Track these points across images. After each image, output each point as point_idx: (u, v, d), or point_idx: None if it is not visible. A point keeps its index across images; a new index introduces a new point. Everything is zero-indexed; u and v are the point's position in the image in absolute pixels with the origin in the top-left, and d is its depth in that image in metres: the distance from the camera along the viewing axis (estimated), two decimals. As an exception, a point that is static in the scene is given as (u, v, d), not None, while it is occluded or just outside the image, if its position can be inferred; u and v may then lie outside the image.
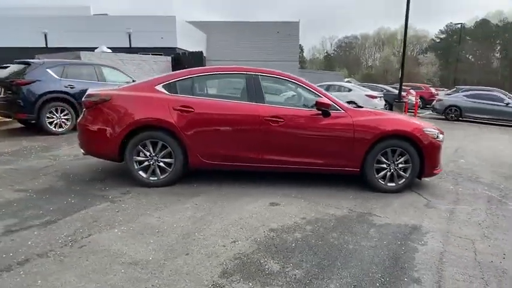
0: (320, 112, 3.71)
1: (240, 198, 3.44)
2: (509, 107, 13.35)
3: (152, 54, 14.99)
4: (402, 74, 14.04)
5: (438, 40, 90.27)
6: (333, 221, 2.98)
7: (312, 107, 3.78)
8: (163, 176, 3.72)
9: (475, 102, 13.85)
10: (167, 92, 3.73)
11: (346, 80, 53.50)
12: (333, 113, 3.72)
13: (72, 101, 7.10)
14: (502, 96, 14.14)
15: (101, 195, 3.41)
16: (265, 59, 27.32)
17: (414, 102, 14.84)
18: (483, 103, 13.71)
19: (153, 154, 3.68)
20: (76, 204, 3.16)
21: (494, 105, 13.54)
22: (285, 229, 2.78)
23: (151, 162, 3.69)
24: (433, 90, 24.23)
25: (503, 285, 2.11)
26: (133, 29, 19.16)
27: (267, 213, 3.11)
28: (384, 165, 3.80)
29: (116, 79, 7.90)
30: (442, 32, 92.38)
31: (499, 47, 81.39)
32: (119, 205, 3.17)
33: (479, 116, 13.75)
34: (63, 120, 7.05)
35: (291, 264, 2.25)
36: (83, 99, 3.84)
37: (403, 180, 3.84)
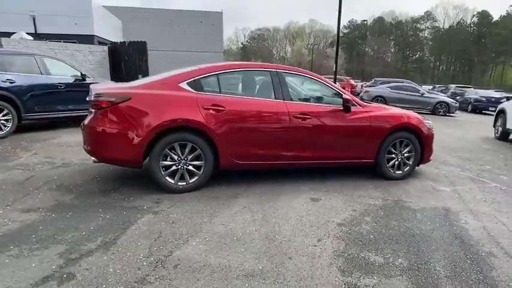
0: (342, 108, 3.94)
1: (280, 197, 3.49)
2: (424, 97, 15.69)
3: (64, 42, 13.21)
4: (336, 67, 15.26)
5: (341, 35, 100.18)
6: (381, 211, 3.27)
7: (328, 103, 3.99)
8: (193, 180, 3.53)
9: (397, 93, 15.87)
10: (193, 90, 3.52)
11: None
12: (353, 108, 3.99)
13: (13, 98, 6.03)
14: (417, 87, 16.56)
15: (133, 207, 3.09)
16: (188, 49, 26.62)
17: (347, 94, 16.29)
18: (404, 94, 15.82)
19: (182, 157, 3.44)
20: (115, 219, 2.81)
21: (412, 95, 15.75)
22: (350, 222, 2.96)
23: (180, 166, 3.46)
24: (352, 82, 26.95)
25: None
26: (39, 12, 16.60)
27: (317, 208, 3.24)
28: (393, 155, 4.25)
29: (62, 72, 6.96)
30: (345, 27, 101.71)
31: (392, 43, 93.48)
32: (166, 216, 2.93)
33: (401, 105, 15.83)
34: (2, 121, 5.94)
35: (388, 254, 2.44)
36: (94, 98, 3.35)
37: (408, 167, 4.35)
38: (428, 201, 3.58)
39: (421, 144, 4.33)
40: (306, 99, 4.03)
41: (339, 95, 4.05)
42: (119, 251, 2.32)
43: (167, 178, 3.45)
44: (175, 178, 3.47)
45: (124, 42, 10.57)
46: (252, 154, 3.67)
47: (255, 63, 4.11)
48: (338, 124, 3.93)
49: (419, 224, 2.99)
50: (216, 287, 1.98)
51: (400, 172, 4.32)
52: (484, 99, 18.08)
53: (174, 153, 3.42)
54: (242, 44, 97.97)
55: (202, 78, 3.61)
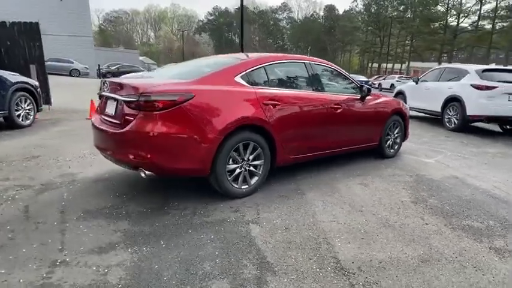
0: (359, 96, 4.36)
1: (337, 187, 3.68)
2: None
3: None
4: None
5: (206, 20, 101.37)
6: (421, 185, 3.85)
7: (349, 93, 4.35)
8: (253, 182, 3.36)
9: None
10: (248, 84, 3.31)
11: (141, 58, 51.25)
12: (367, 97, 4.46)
13: None
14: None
15: (222, 221, 2.77)
16: (49, 32, 22.80)
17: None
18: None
19: (245, 158, 3.24)
20: (225, 240, 2.50)
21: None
22: (417, 199, 3.41)
23: (243, 168, 3.25)
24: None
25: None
26: None
27: (379, 193, 3.57)
28: (388, 136, 4.94)
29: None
30: (210, 13, 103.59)
31: (257, 31, 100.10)
32: (272, 223, 2.76)
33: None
34: None
35: (479, 218, 2.99)
36: (144, 97, 2.76)
37: (397, 146, 5.14)
38: (436, 172, 4.38)
39: (405, 125, 5.15)
40: (334, 90, 4.25)
41: (354, 84, 4.43)
42: (295, 278, 2.13)
43: (232, 183, 3.18)
44: (239, 181, 3.23)
45: (4, 22, 8.26)
46: (301, 148, 3.71)
47: (289, 54, 4.07)
48: (359, 112, 4.32)
49: (457, 191, 3.68)
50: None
51: (393, 151, 5.06)
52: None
53: (237, 155, 3.17)
54: (100, 27, 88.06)
55: (253, 70, 3.41)
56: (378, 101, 4.64)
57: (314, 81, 3.91)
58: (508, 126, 8.25)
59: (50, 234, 2.47)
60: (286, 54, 4.08)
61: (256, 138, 3.24)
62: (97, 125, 3.22)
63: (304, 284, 1.99)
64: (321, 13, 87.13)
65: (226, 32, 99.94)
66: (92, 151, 4.60)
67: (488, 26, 35.37)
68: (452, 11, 39.12)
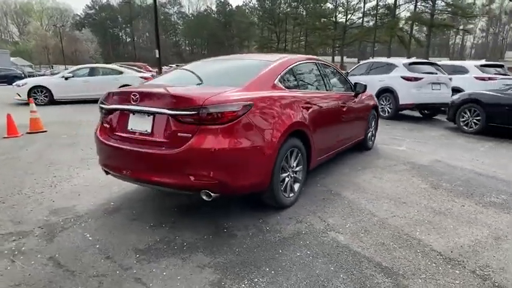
0: (353, 94, 4.67)
1: (355, 181, 3.91)
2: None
3: None
4: (159, 56, 14.90)
5: (84, 15, 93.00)
6: (428, 172, 4.35)
7: (345, 90, 4.62)
8: (297, 189, 3.34)
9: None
10: (285, 88, 3.26)
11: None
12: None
13: None
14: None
15: (299, 232, 2.71)
16: None
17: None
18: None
19: (291, 166, 3.20)
20: (308, 237, 2.47)
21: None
22: (436, 185, 3.87)
23: (290, 177, 3.21)
24: (150, 69, 26.45)
25: None
26: None
27: (397, 183, 3.91)
28: (370, 129, 5.42)
29: None
30: (89, 7, 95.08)
31: (148, 26, 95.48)
32: (343, 229, 2.81)
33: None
34: None
35: (496, 196, 3.56)
36: (213, 110, 2.47)
37: (374, 138, 5.67)
38: (420, 158, 5.00)
39: (378, 117, 5.71)
40: (337, 88, 4.44)
41: (347, 81, 4.71)
42: (426, 277, 2.22)
43: (283, 193, 3.11)
44: (288, 190, 3.18)
45: None
46: (322, 149, 3.79)
47: (298, 54, 4.06)
48: (355, 108, 4.62)
49: (451, 173, 4.29)
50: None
51: (371, 142, 5.56)
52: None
53: (285, 163, 3.11)
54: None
55: (285, 73, 3.35)
56: (364, 97, 5.02)
57: (325, 81, 4.03)
58: (426, 111, 9.76)
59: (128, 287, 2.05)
60: (297, 54, 4.08)
61: (298, 144, 3.21)
62: (118, 144, 2.75)
63: (439, 281, 2.10)
64: (213, 7, 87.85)
65: (111, 28, 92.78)
66: (53, 178, 3.91)
67: (372, 23, 41.16)
68: (340, 8, 44.11)
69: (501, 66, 10.13)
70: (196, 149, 2.44)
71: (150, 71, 24.89)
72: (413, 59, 9.81)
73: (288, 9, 54.40)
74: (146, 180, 2.71)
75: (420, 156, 5.11)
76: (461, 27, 40.95)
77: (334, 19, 44.55)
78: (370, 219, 2.96)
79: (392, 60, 9.86)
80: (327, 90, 4.00)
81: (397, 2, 36.51)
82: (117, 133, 2.87)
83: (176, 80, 3.42)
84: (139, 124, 2.74)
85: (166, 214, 3.05)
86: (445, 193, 3.59)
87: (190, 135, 2.48)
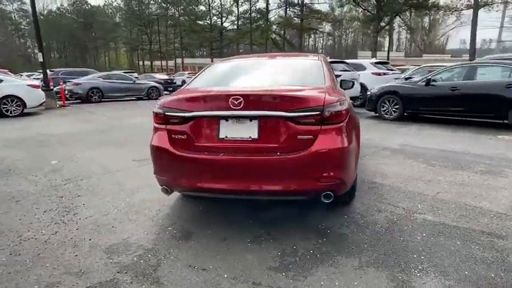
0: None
1: (372, 169, 4.31)
2: (137, 83, 16.70)
3: None
4: (43, 59, 12.62)
5: None
6: (424, 156, 5.04)
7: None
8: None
9: (111, 82, 15.71)
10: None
11: None
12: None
13: None
14: (127, 75, 17.10)
15: (380, 232, 2.89)
16: None
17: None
18: (118, 82, 15.95)
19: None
20: (397, 234, 2.71)
21: (126, 83, 16.26)
22: (446, 166, 4.55)
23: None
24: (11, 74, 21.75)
25: None
26: None
27: (414, 168, 4.48)
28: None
29: None
30: None
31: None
32: (416, 219, 3.12)
33: (117, 94, 15.90)
34: None
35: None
36: (334, 109, 2.38)
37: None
38: (387, 143, 5.73)
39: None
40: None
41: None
42: None
43: (353, 187, 3.23)
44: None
45: None
46: None
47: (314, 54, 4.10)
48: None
49: (432, 154, 5.10)
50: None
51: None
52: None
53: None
54: None
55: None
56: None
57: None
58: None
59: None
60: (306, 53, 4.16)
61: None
62: (210, 156, 2.40)
63: (534, 234, 2.59)
64: (66, 5, 77.30)
65: None
66: (62, 210, 3.10)
67: (247, 26, 43.30)
68: (214, 10, 44.96)
69: (387, 63, 12.26)
70: (323, 150, 2.34)
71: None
72: (375, 60, 11.09)
73: (159, 11, 52.42)
74: (253, 191, 2.44)
75: (384, 141, 5.85)
76: (321, 29, 47.15)
77: (209, 21, 45.22)
78: (426, 198, 3.32)
79: (360, 61, 11.02)
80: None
81: (269, 7, 39.64)
82: (202, 144, 2.47)
83: (231, 81, 3.08)
84: (238, 131, 2.43)
85: (248, 227, 2.79)
86: (444, 169, 4.27)
87: (312, 136, 2.35)
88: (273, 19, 40.86)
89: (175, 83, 23.88)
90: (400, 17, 28.21)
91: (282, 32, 40.64)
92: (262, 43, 41.84)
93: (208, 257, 2.37)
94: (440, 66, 12.58)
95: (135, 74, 24.43)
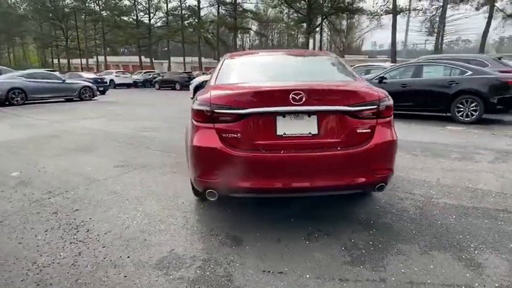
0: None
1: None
2: (67, 83, 15.14)
3: None
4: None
5: None
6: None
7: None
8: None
9: (36, 82, 14.00)
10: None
11: None
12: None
13: None
14: (56, 74, 15.34)
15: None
16: None
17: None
18: (44, 82, 14.27)
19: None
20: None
21: (54, 83, 14.64)
22: (434, 155, 4.95)
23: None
24: None
25: None
26: None
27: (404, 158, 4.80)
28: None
29: None
30: None
31: None
32: (435, 196, 3.39)
33: (44, 95, 14.22)
34: None
35: None
36: (386, 103, 2.47)
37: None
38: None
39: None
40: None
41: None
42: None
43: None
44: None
45: None
46: None
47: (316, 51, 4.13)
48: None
49: (417, 146, 5.54)
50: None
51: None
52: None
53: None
54: None
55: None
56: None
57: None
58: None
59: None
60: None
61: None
62: (270, 154, 2.33)
63: (537, 208, 3.00)
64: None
65: None
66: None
67: (177, 23, 41.80)
68: (140, 6, 42.38)
69: None
70: (381, 143, 2.42)
71: None
72: None
73: (75, 3, 47.76)
74: (313, 188, 2.41)
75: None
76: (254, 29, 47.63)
77: (135, 17, 42.66)
78: (431, 185, 3.63)
79: None
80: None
81: (200, 5, 38.86)
82: (258, 142, 2.36)
83: (268, 77, 2.97)
84: (296, 127, 2.38)
85: (294, 225, 2.75)
86: (428, 158, 4.71)
87: (370, 130, 2.41)
88: (204, 17, 40.24)
89: (106, 82, 22.22)
90: (328, 20, 30.10)
91: (216, 30, 40.21)
92: (194, 41, 40.95)
93: (276, 259, 2.27)
94: (378, 66, 13.74)
95: (57, 73, 22.05)
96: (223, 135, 2.37)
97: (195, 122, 2.50)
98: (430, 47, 30.86)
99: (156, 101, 16.30)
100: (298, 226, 2.72)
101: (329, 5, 25.98)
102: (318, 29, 30.10)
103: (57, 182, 3.91)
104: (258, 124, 2.36)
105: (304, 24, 29.07)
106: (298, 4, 27.95)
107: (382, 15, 25.54)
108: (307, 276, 2.09)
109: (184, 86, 26.40)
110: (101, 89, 19.46)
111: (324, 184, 2.38)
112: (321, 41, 35.62)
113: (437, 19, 24.41)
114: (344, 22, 52.43)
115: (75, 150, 5.46)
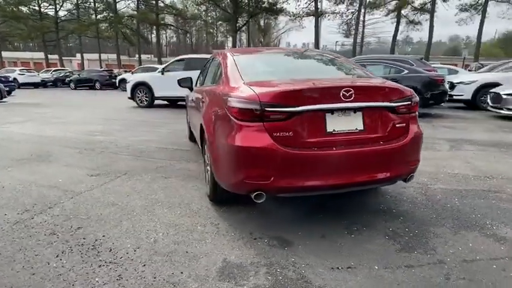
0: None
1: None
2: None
3: None
4: None
5: None
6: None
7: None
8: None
9: None
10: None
11: None
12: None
13: None
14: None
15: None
16: None
17: None
18: None
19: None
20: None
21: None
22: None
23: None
24: None
25: None
26: None
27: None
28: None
29: None
30: None
31: None
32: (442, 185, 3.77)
33: None
34: None
35: None
36: (415, 99, 2.66)
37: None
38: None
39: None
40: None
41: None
42: None
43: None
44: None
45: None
46: None
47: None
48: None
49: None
50: None
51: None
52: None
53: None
54: None
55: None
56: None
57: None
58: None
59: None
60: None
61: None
62: (322, 152, 2.36)
63: None
64: None
65: None
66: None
67: (91, 17, 38.07)
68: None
69: None
70: (416, 136, 2.63)
71: None
72: None
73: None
74: (359, 183, 2.50)
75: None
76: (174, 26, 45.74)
77: (38, 8, 37.61)
78: (420, 173, 3.96)
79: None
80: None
81: (116, -1, 35.99)
82: (309, 139, 2.36)
83: (299, 74, 2.95)
84: (344, 123, 2.44)
85: (327, 221, 2.81)
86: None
87: (405, 124, 2.60)
88: (121, 12, 37.51)
89: (12, 81, 19.36)
90: (254, 19, 30.71)
91: (136, 26, 37.76)
92: (109, 37, 37.91)
93: (336, 255, 2.30)
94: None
95: None
96: (274, 134, 2.31)
97: (237, 121, 2.38)
98: (348, 47, 33.60)
99: (82, 102, 14.81)
100: (330, 221, 2.78)
101: (254, 4, 26.52)
102: (248, 27, 30.47)
103: (27, 198, 3.34)
104: (309, 122, 2.35)
105: (225, 24, 29.13)
106: (223, 3, 27.92)
107: (303, 16, 27.10)
108: (376, 267, 2.16)
109: (106, 85, 24.48)
110: (7, 89, 16.91)
111: (369, 178, 2.48)
112: (248, 40, 36.12)
113: (353, 22, 26.85)
114: (262, 22, 54.14)
115: (30, 160, 4.70)
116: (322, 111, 2.36)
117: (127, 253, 2.35)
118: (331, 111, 2.39)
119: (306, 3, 25.73)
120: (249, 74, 2.83)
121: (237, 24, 27.33)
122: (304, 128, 2.34)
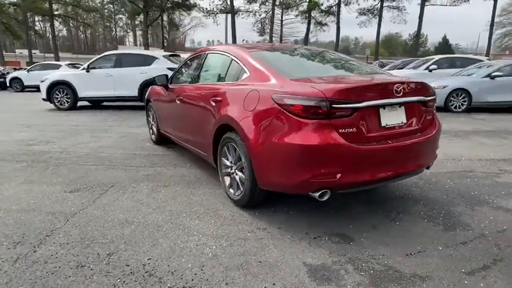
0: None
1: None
2: None
3: None
4: None
5: None
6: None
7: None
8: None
9: None
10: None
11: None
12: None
13: None
14: None
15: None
16: None
17: None
18: None
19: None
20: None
21: None
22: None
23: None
24: None
25: None
26: None
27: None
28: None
29: None
30: None
31: None
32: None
33: None
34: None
35: None
36: (435, 94, 2.95)
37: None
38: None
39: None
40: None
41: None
42: None
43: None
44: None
45: None
46: None
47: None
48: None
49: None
50: None
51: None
52: None
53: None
54: None
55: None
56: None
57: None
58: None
59: None
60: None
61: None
62: (382, 146, 2.49)
63: None
64: None
65: None
66: None
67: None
68: None
69: (178, 55, 12.21)
70: (439, 128, 2.94)
71: None
72: (170, 52, 10.47)
73: None
74: (406, 172, 2.70)
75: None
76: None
77: None
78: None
79: (151, 53, 9.97)
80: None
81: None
82: (369, 134, 2.46)
83: (328, 70, 2.98)
84: (393, 117, 2.60)
85: (354, 217, 2.95)
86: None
87: (431, 117, 2.89)
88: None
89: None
90: (167, 14, 29.30)
91: (22, 17, 32.31)
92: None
93: (399, 242, 2.43)
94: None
95: None
96: (341, 130, 2.32)
97: (300, 119, 2.32)
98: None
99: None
100: (368, 213, 2.92)
101: (164, -1, 25.35)
102: (161, 23, 28.90)
103: (4, 228, 2.71)
104: (367, 117, 2.43)
105: (123, 17, 27.28)
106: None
107: (217, 13, 26.96)
108: (440, 248, 2.36)
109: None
110: None
111: (416, 167, 2.70)
112: (163, 36, 34.26)
113: (267, 21, 27.82)
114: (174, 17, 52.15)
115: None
116: (377, 106, 2.46)
117: (195, 274, 2.11)
118: (383, 106, 2.50)
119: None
120: (286, 70, 2.76)
121: (148, 19, 25.73)
122: (364, 123, 2.41)
